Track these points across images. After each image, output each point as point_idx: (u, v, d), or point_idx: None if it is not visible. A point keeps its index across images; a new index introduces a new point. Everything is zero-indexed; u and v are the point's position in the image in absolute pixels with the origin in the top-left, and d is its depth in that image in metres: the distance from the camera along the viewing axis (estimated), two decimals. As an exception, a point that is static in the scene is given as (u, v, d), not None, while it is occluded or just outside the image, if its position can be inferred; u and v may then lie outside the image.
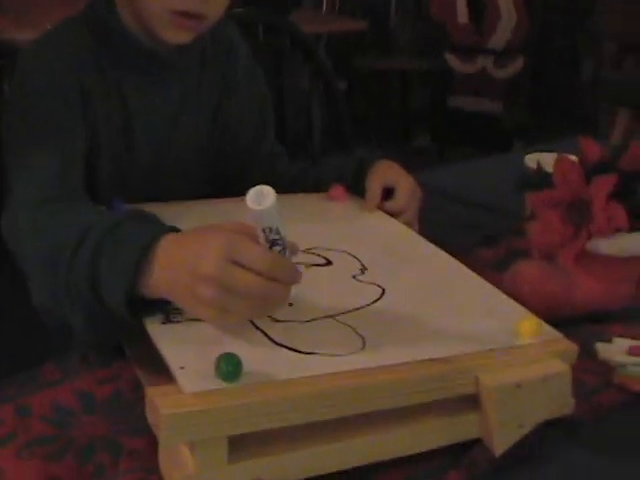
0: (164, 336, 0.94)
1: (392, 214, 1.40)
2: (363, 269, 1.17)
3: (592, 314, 1.25)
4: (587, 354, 1.13)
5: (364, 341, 0.97)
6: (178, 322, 0.97)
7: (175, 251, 0.97)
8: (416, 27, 5.70)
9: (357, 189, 1.46)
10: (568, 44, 5.43)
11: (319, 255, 1.21)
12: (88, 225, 1.04)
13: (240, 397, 0.83)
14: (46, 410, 1.00)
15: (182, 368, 0.87)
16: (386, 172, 1.45)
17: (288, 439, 0.88)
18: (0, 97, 1.63)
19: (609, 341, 1.19)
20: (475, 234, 1.58)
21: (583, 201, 1.25)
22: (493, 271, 1.27)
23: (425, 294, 1.12)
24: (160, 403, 0.81)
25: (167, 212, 1.22)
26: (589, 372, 1.12)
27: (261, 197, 0.94)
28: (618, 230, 1.22)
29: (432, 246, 1.27)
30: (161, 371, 0.89)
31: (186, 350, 0.91)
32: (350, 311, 1.04)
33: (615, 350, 1.17)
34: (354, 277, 1.15)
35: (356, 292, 1.10)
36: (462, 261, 1.22)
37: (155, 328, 0.96)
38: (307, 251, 1.21)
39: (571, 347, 1.00)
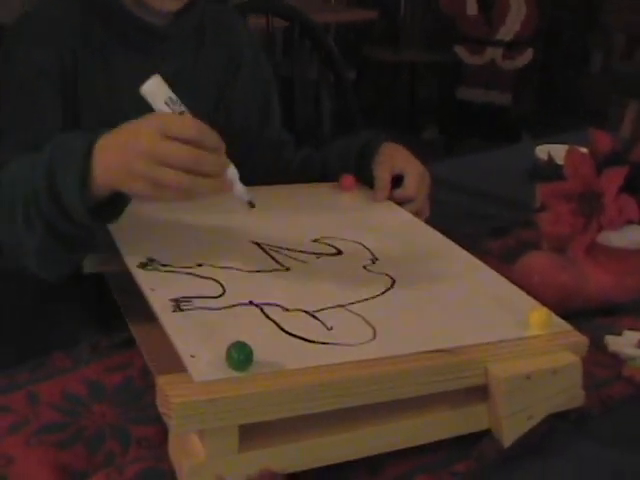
0: (175, 324, 0.94)
1: (402, 202, 1.40)
2: (374, 259, 1.17)
3: (602, 306, 1.25)
4: (597, 346, 1.13)
5: (374, 331, 0.97)
6: (189, 310, 0.97)
7: (112, 140, 1.05)
8: (425, 19, 5.68)
9: (362, 174, 1.45)
10: (577, 36, 5.41)
11: (329, 245, 1.21)
12: (35, 156, 1.10)
13: (251, 386, 0.83)
14: (56, 398, 1.00)
15: (193, 357, 0.87)
16: (393, 158, 1.44)
17: (298, 429, 0.88)
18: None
19: (619, 334, 1.19)
20: (484, 225, 1.58)
21: (594, 193, 1.25)
22: (502, 262, 1.27)
23: (435, 285, 1.12)
24: (171, 392, 0.81)
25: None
26: (599, 364, 1.12)
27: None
28: (629, 222, 1.22)
29: (442, 237, 1.27)
30: (170, 360, 0.89)
31: (197, 339, 0.91)
32: (361, 301, 1.04)
33: (625, 343, 1.17)
34: (364, 267, 1.15)
35: (366, 282, 1.10)
36: (471, 252, 1.22)
37: (166, 316, 0.95)
38: (317, 241, 1.21)
39: (581, 339, 1.00)
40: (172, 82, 1.37)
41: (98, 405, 0.99)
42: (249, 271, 1.10)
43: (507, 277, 1.14)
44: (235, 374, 0.84)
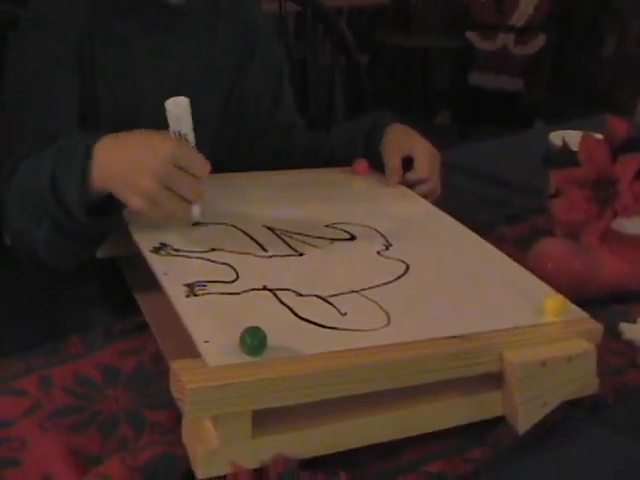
0: (189, 309, 0.94)
1: (415, 184, 1.39)
2: (387, 245, 1.17)
3: (616, 294, 1.24)
4: (611, 334, 1.13)
5: (389, 317, 0.96)
6: (203, 295, 0.97)
7: (118, 145, 1.11)
8: (438, 4, 5.66)
9: (370, 156, 1.45)
10: (590, 20, 5.38)
11: (343, 230, 1.20)
12: (43, 154, 1.16)
13: (265, 371, 0.83)
14: (70, 382, 1.00)
15: (207, 342, 0.86)
16: (402, 141, 1.43)
17: (311, 415, 0.88)
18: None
19: (633, 321, 1.18)
20: (498, 212, 1.57)
21: (609, 179, 1.24)
22: (516, 249, 1.26)
23: (449, 271, 1.12)
24: (185, 377, 0.81)
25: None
26: (613, 352, 1.12)
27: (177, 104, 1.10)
28: (644, 209, 1.22)
29: (456, 223, 1.26)
30: (184, 345, 0.89)
31: (211, 324, 0.91)
32: (375, 287, 1.04)
33: (639, 330, 1.16)
34: (378, 253, 1.14)
35: (380, 268, 1.10)
36: (486, 239, 1.21)
37: (180, 301, 0.95)
38: (331, 226, 1.21)
39: (596, 327, 1.00)
40: (189, 63, 1.38)
41: (112, 389, 0.99)
42: (263, 256, 1.10)
43: (521, 263, 1.14)
44: (249, 359, 0.84)
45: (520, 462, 0.92)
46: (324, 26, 2.25)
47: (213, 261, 1.07)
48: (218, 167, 1.44)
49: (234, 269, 1.05)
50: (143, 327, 1.09)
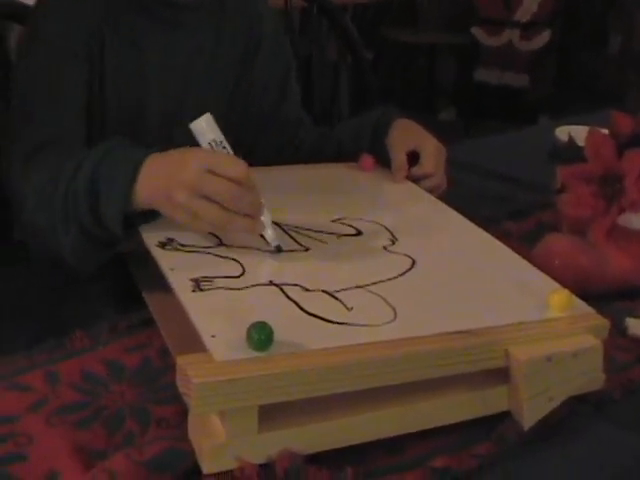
0: (195, 304, 0.94)
1: (421, 179, 1.40)
2: (393, 240, 1.17)
3: (622, 289, 1.24)
4: (617, 330, 1.12)
5: (395, 312, 0.96)
6: (209, 290, 0.97)
7: (159, 164, 1.10)
8: (443, 0, 5.66)
9: (376, 152, 1.45)
10: (596, 17, 5.37)
11: (349, 225, 1.20)
12: (82, 156, 1.15)
13: (271, 367, 0.83)
14: (75, 378, 1.00)
15: (213, 337, 0.86)
16: (408, 136, 1.44)
17: (318, 410, 0.88)
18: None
19: (639, 317, 1.18)
20: (503, 207, 1.57)
21: (615, 175, 1.24)
22: (522, 244, 1.26)
23: (456, 266, 1.11)
24: (191, 372, 0.81)
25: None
26: (619, 348, 1.11)
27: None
28: (651, 205, 1.21)
29: (462, 218, 1.26)
30: (190, 340, 0.89)
31: (217, 318, 0.91)
32: (381, 282, 1.04)
33: (645, 326, 1.16)
34: (384, 248, 1.14)
35: (386, 263, 1.10)
36: (491, 234, 1.21)
37: (186, 296, 0.95)
38: (337, 221, 1.21)
39: (602, 322, 0.99)
40: (195, 59, 1.37)
41: (117, 385, 0.99)
42: (269, 251, 1.10)
43: (527, 259, 1.14)
44: (255, 354, 0.84)
45: (525, 458, 0.92)
46: (329, 22, 2.25)
47: (220, 256, 1.07)
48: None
49: (240, 264, 1.05)
50: (148, 322, 1.08)
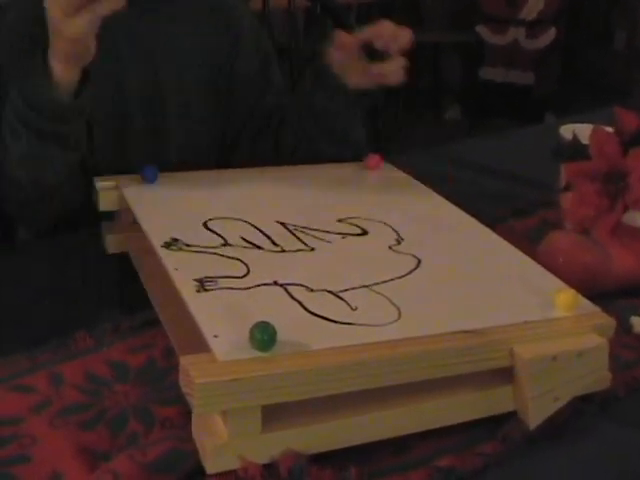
0: (199, 304, 0.93)
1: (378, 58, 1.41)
2: (399, 239, 1.16)
3: (627, 287, 1.24)
4: (622, 328, 1.12)
5: (399, 312, 0.96)
6: (213, 290, 0.97)
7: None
8: (447, -1, 5.66)
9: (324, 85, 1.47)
10: (600, 14, 5.36)
11: (355, 225, 1.20)
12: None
13: (274, 367, 0.83)
14: (79, 379, 1.00)
15: (216, 336, 0.86)
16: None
17: (321, 410, 0.88)
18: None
19: (644, 315, 1.18)
20: (507, 206, 1.56)
21: (619, 173, 1.24)
22: (526, 242, 1.25)
23: (461, 265, 1.11)
24: (194, 372, 0.80)
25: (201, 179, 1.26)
26: (624, 346, 1.11)
27: None
28: (655, 202, 1.21)
29: (468, 217, 1.26)
30: (195, 340, 0.89)
31: (221, 318, 0.91)
32: (386, 281, 1.04)
33: (651, 324, 1.16)
34: (390, 247, 1.14)
35: (392, 262, 1.10)
36: (495, 232, 1.21)
37: (190, 296, 0.95)
38: (343, 221, 1.21)
39: (608, 321, 0.99)
40: (174, 50, 1.38)
41: (121, 386, 0.99)
42: (274, 251, 1.10)
43: (531, 257, 1.14)
44: (259, 354, 0.84)
45: (531, 457, 0.92)
46: (333, 21, 2.24)
47: (224, 256, 1.07)
48: (206, 160, 1.45)
49: (245, 264, 1.05)
50: (152, 323, 1.08)
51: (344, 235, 1.17)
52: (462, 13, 5.49)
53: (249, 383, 0.81)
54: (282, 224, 1.17)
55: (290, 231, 1.16)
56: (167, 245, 1.07)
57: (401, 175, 1.42)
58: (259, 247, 1.10)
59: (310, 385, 0.84)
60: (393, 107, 4.83)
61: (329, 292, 0.99)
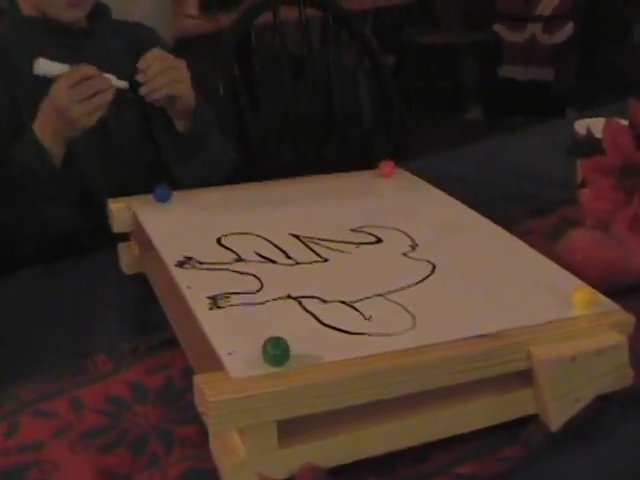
0: (212, 322, 0.93)
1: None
2: (414, 246, 1.16)
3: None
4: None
5: (414, 319, 0.95)
6: (226, 307, 0.97)
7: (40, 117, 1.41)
8: (462, -1, 5.65)
9: None
10: (617, 7, 5.33)
11: (369, 233, 1.19)
12: None
13: (287, 381, 0.82)
14: (99, 402, 1.00)
15: (230, 354, 0.86)
16: None
17: (339, 422, 0.87)
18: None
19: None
20: (527, 205, 1.56)
21: (635, 166, 1.22)
22: (547, 241, 1.25)
23: (476, 269, 1.10)
24: (208, 390, 0.80)
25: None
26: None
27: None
28: (672, 195, 1.19)
29: (483, 219, 1.25)
30: (213, 358, 0.88)
31: (234, 335, 0.90)
32: (400, 289, 1.03)
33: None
34: (404, 254, 1.13)
35: (406, 269, 1.09)
36: (514, 233, 1.20)
37: (204, 314, 0.95)
38: (357, 230, 1.20)
39: (627, 318, 0.97)
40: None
41: (141, 407, 0.99)
42: (288, 264, 1.10)
43: (551, 256, 1.13)
44: (272, 369, 0.84)
45: (553, 459, 0.91)
46: (347, 30, 2.24)
47: (238, 272, 1.07)
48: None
49: (258, 279, 1.05)
50: (170, 342, 1.08)
51: (358, 244, 1.16)
52: (477, 12, 5.47)
53: (263, 399, 0.80)
54: (296, 236, 1.17)
55: (304, 243, 1.15)
56: (180, 264, 1.08)
57: (415, 181, 1.41)
58: (273, 261, 1.10)
59: (324, 398, 0.83)
60: (413, 109, 4.83)
61: (343, 303, 0.99)
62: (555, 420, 0.92)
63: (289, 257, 1.11)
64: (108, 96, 1.38)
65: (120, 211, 1.26)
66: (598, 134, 1.31)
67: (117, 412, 0.98)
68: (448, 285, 1.05)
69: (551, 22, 5.17)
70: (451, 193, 1.35)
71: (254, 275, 1.06)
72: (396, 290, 1.03)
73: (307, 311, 0.97)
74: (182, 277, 1.05)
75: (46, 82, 1.39)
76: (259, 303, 0.99)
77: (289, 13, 2.25)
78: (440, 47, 5.63)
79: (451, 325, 0.95)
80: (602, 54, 5.29)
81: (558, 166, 1.64)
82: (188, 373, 1.02)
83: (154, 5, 3.31)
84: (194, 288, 1.01)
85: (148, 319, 1.16)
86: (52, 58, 1.41)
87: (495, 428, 0.93)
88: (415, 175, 1.43)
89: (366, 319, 0.95)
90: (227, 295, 0.99)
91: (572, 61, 5.28)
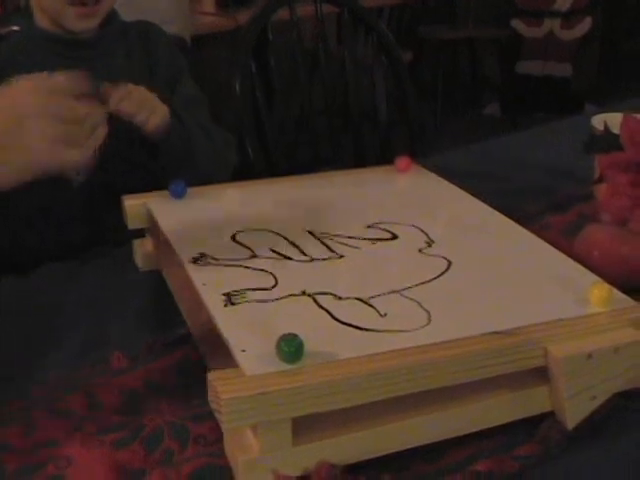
0: (227, 319, 0.93)
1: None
2: (429, 242, 1.15)
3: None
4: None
5: (429, 316, 0.95)
6: (241, 304, 0.97)
7: None
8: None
9: None
10: (636, 1, 5.30)
11: (385, 230, 1.19)
12: None
13: (302, 378, 0.82)
14: (115, 398, 1.00)
15: (244, 351, 0.86)
16: None
17: (354, 418, 0.87)
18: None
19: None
20: (544, 201, 1.55)
21: (653, 162, 1.21)
22: (564, 237, 1.24)
23: (492, 265, 1.10)
24: (220, 387, 0.80)
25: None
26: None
27: None
28: (690, 190, 1.19)
29: (499, 215, 1.24)
30: (227, 354, 0.88)
31: (248, 332, 0.90)
32: (416, 285, 1.02)
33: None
34: (420, 251, 1.13)
35: (422, 266, 1.09)
36: (531, 229, 1.19)
37: (218, 311, 0.95)
38: (372, 226, 1.20)
39: (644, 314, 0.97)
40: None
41: (156, 403, 0.99)
42: (303, 261, 1.09)
43: (568, 252, 1.12)
44: (286, 367, 0.83)
45: (569, 457, 0.90)
46: (364, 26, 2.24)
47: (252, 268, 1.07)
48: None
49: (273, 275, 1.05)
50: (185, 339, 1.08)
51: (374, 241, 1.16)
52: (496, 8, 5.46)
53: (276, 396, 0.80)
54: (311, 233, 1.17)
55: (319, 239, 1.15)
56: (195, 260, 1.07)
57: (431, 177, 1.41)
58: (288, 257, 1.10)
59: (339, 395, 0.83)
60: (431, 104, 4.83)
61: (358, 299, 0.98)
62: (571, 418, 0.91)
63: (304, 253, 1.11)
64: (100, 132, 1.07)
65: (135, 207, 1.26)
66: (616, 130, 1.31)
67: (132, 409, 0.98)
68: (464, 281, 1.05)
69: (569, 17, 5.15)
70: (467, 189, 1.35)
71: (269, 272, 1.05)
72: (411, 286, 1.02)
73: (322, 308, 0.96)
74: (197, 274, 1.04)
75: None
76: (274, 300, 0.98)
77: (305, 9, 2.25)
78: (458, 42, 5.62)
79: (467, 322, 0.94)
80: (622, 49, 5.27)
81: (576, 162, 1.63)
82: (203, 370, 1.01)
83: (172, 2, 3.33)
84: (209, 285, 1.01)
85: (163, 315, 1.15)
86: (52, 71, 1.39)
87: (511, 426, 0.93)
88: (431, 171, 1.43)
89: (381, 316, 0.95)
90: (242, 292, 0.99)
91: (591, 56, 5.26)
